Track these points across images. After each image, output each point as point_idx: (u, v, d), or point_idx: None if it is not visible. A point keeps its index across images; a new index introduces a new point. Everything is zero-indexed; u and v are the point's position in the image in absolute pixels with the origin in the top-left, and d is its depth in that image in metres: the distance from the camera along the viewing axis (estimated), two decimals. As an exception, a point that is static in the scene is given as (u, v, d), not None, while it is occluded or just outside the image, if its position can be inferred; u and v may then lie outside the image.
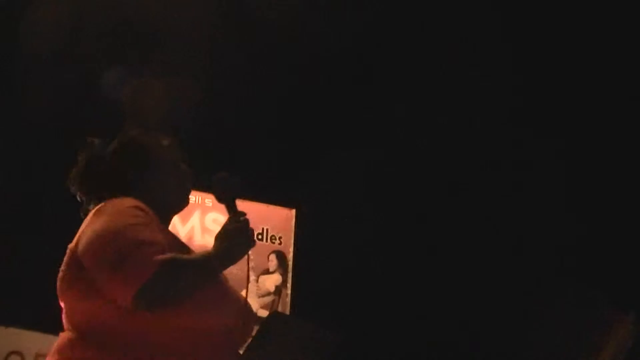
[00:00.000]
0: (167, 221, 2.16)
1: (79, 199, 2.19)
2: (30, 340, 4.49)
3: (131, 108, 5.65)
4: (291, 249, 6.39)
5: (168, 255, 1.84)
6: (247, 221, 2.01)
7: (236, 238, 1.98)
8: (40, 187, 5.41)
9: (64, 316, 2.00)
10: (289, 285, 6.32)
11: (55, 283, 2.02)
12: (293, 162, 6.58)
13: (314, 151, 6.53)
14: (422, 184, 6.69)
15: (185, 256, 1.93)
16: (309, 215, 6.45)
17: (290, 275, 6.34)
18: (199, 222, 6.11)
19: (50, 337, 4.57)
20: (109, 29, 5.78)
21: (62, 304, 2.01)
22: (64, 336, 1.97)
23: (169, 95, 5.82)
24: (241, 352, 2.08)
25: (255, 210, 6.15)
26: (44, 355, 4.55)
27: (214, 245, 1.97)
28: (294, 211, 6.49)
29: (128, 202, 2.02)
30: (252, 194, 5.66)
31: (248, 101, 6.39)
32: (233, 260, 1.99)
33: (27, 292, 4.72)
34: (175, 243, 2.02)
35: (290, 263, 6.36)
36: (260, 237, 6.24)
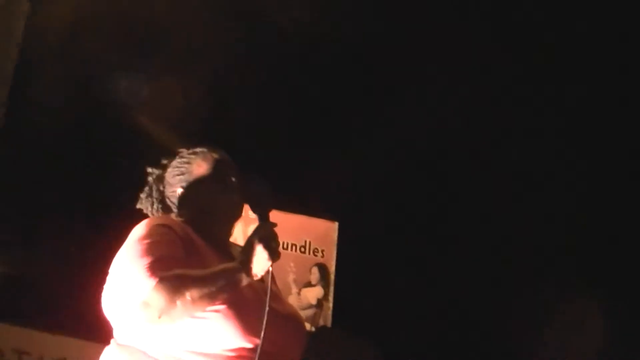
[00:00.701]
0: (222, 233, 2.23)
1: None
2: (77, 348, 4.56)
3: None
4: (333, 262, 6.38)
5: (174, 271, 1.84)
6: (273, 233, 1.99)
7: (258, 250, 1.95)
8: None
9: (111, 326, 2.05)
10: (330, 298, 6.31)
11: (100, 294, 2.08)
12: (335, 174, 6.60)
13: (356, 163, 6.54)
14: (464, 194, 6.66)
15: (196, 271, 1.90)
16: (351, 227, 6.45)
17: (332, 288, 6.33)
18: (242, 233, 6.12)
19: (96, 345, 4.66)
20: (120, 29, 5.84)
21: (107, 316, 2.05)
22: (107, 349, 2.04)
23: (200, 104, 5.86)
24: None
25: (298, 222, 6.17)
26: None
27: (238, 258, 1.97)
28: (336, 224, 6.48)
29: (158, 220, 2.09)
30: (294, 207, 5.69)
31: (287, 114, 6.44)
32: (252, 274, 1.94)
33: (76, 302, 4.81)
34: (209, 258, 2.02)
35: (333, 276, 6.35)
36: (302, 249, 6.25)
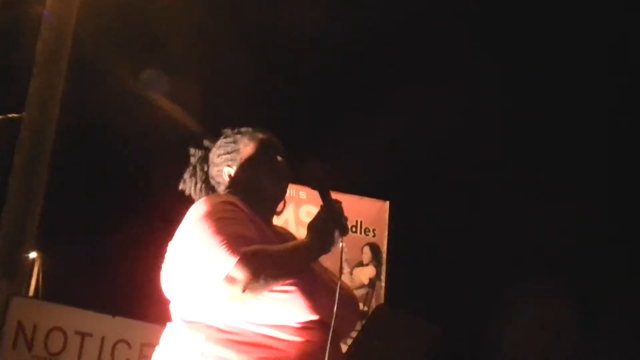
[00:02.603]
0: (267, 213, 2.19)
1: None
2: (137, 329, 4.66)
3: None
4: (385, 242, 6.36)
5: (253, 246, 1.86)
6: (340, 209, 1.99)
7: (328, 226, 1.96)
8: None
9: (170, 308, 2.08)
10: (383, 277, 6.30)
11: (158, 276, 2.10)
12: (385, 154, 6.59)
13: (407, 144, 6.53)
14: (517, 172, 6.60)
15: (273, 246, 1.94)
16: (403, 207, 6.44)
17: (384, 267, 6.32)
18: (293, 215, 6.15)
19: (156, 326, 4.76)
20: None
21: (167, 296, 2.08)
22: (170, 326, 2.02)
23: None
24: (346, 346, 2.07)
25: (349, 202, 6.14)
26: (149, 345, 4.75)
27: (306, 235, 1.97)
28: (387, 203, 6.46)
29: (220, 197, 2.08)
30: (345, 187, 5.70)
31: (334, 97, 6.45)
32: (325, 250, 1.97)
33: (134, 285, 4.93)
34: (267, 235, 2.03)
35: (385, 255, 6.34)
36: (354, 229, 6.24)
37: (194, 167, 2.31)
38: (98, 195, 5.83)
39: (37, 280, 8.28)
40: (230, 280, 1.82)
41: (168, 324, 2.05)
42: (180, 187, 2.33)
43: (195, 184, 2.29)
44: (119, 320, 4.63)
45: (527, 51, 6.39)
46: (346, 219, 1.99)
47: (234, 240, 1.86)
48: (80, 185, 5.69)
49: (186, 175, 2.32)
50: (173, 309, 2.04)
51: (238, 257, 1.82)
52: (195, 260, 1.90)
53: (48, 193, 5.21)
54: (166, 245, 2.13)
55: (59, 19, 5.40)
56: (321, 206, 2.03)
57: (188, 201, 2.32)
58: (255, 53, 6.18)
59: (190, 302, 1.97)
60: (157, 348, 2.03)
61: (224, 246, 1.85)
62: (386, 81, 6.52)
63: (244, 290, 1.83)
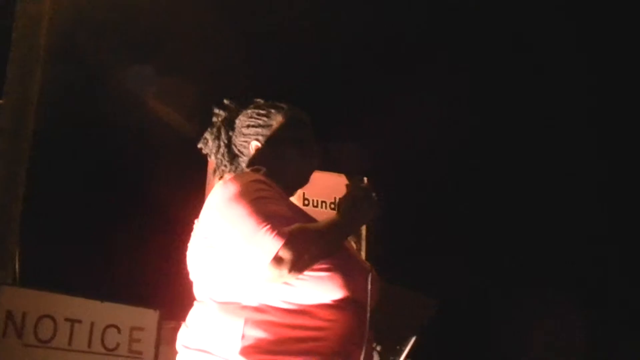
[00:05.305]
0: (290, 194, 2.18)
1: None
2: (126, 313, 4.68)
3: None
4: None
5: (295, 225, 1.86)
6: (369, 186, 2.02)
7: (362, 203, 1.98)
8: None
9: (194, 287, 2.07)
10: (362, 253, 6.37)
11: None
12: (362, 132, 6.64)
13: (382, 121, 6.58)
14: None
15: (312, 225, 1.93)
16: (378, 184, 6.50)
17: (364, 243, 6.38)
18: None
19: (144, 310, 4.78)
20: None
21: (192, 276, 2.06)
22: (200, 307, 2.01)
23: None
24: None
25: (326, 180, 6.22)
26: (139, 328, 4.77)
27: (337, 213, 1.98)
28: (364, 179, 6.51)
29: (251, 176, 2.04)
30: (326, 165, 5.72)
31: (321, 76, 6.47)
32: (358, 226, 2.00)
33: (121, 269, 4.94)
34: (301, 214, 2.03)
35: (364, 231, 6.40)
36: (332, 206, 6.29)
37: (219, 129, 2.24)
38: (77, 180, 5.80)
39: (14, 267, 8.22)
40: (278, 261, 1.82)
41: (195, 303, 2.04)
42: (200, 145, 2.27)
43: (218, 147, 2.22)
44: (108, 305, 4.64)
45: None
46: (377, 196, 2.01)
47: (274, 221, 1.86)
48: (62, 169, 5.66)
49: (208, 135, 2.26)
50: (201, 289, 2.03)
51: (285, 239, 1.83)
52: (235, 243, 1.89)
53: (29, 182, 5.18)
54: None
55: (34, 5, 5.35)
56: (346, 185, 2.06)
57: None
58: (255, 53, 6.18)
59: (224, 282, 1.96)
60: (183, 328, 2.03)
61: (267, 227, 1.84)
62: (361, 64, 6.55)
63: (290, 271, 1.83)
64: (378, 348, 2.15)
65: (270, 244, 1.81)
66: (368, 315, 1.94)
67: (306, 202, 5.55)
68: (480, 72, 6.55)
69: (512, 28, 6.25)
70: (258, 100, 2.28)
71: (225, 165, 2.22)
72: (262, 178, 2.03)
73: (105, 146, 6.07)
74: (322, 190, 6.83)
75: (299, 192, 6.00)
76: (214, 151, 2.24)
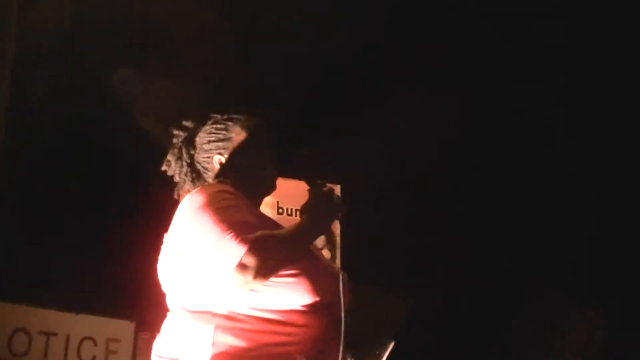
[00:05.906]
0: (257, 203, 2.21)
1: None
2: (101, 325, 4.66)
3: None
4: (338, 224, 6.42)
5: (259, 232, 1.89)
6: (331, 189, 2.05)
7: (324, 207, 2.03)
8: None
9: (167, 299, 2.09)
10: (337, 260, 6.37)
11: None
12: (335, 137, 6.67)
13: (355, 127, 6.60)
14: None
15: (276, 231, 1.96)
16: (354, 190, 6.52)
17: (338, 251, 6.38)
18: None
19: (120, 322, 4.76)
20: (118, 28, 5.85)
21: (164, 288, 2.09)
22: (172, 316, 2.04)
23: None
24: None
25: (299, 187, 6.23)
26: (115, 340, 4.75)
27: (301, 218, 2.02)
28: (338, 187, 6.52)
29: (217, 186, 2.08)
30: (295, 173, 5.74)
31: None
32: (322, 230, 2.05)
33: (95, 281, 4.90)
34: (268, 221, 2.06)
35: (338, 239, 6.41)
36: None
37: (180, 150, 2.27)
38: (48, 190, 5.74)
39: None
40: (242, 268, 1.84)
41: (168, 314, 2.06)
42: (163, 168, 2.30)
43: (181, 167, 2.25)
44: (83, 317, 4.62)
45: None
46: (339, 198, 2.07)
47: (239, 228, 1.89)
48: (31, 178, 5.61)
49: (170, 157, 2.28)
50: (173, 299, 2.06)
51: (248, 245, 1.85)
52: (201, 251, 1.91)
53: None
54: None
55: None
56: (308, 190, 2.10)
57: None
58: (255, 53, 6.18)
59: (194, 291, 1.98)
60: (158, 338, 2.04)
61: (231, 235, 1.87)
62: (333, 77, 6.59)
63: (255, 277, 1.85)
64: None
65: (234, 250, 1.84)
66: (343, 319, 1.96)
67: (280, 210, 5.54)
68: (480, 72, 6.59)
69: (512, 28, 6.30)
70: (215, 115, 2.31)
71: (190, 185, 2.23)
72: (228, 188, 2.08)
73: (81, 154, 6.02)
74: (296, 199, 6.85)
75: (273, 200, 6.07)
76: (177, 172, 2.26)
